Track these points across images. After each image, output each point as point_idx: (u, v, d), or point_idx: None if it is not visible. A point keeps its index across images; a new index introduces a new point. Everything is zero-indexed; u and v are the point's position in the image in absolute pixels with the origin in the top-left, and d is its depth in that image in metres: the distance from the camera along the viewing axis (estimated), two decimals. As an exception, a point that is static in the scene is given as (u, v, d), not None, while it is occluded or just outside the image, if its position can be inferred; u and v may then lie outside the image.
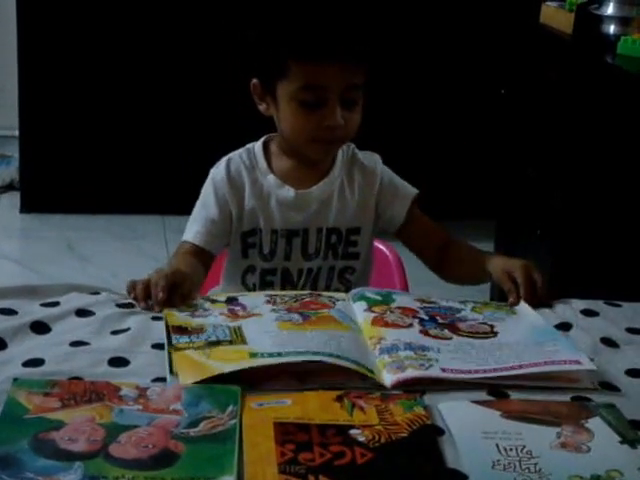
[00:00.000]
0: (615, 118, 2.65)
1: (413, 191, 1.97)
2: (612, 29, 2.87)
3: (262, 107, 1.89)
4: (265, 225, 1.90)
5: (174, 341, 1.47)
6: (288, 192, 1.90)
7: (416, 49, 4.24)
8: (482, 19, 4.24)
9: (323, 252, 1.92)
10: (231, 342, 1.46)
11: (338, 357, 1.42)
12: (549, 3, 3.15)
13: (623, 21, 2.85)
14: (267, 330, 1.52)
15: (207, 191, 1.93)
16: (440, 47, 4.28)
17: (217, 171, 1.93)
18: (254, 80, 1.87)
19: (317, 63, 1.77)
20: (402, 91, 4.24)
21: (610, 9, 2.89)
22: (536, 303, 1.71)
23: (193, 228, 1.90)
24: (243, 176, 1.92)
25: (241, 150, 1.96)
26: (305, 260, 1.91)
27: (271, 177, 1.91)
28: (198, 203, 1.94)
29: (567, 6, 3.04)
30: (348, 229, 1.92)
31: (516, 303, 1.72)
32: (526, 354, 1.50)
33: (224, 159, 1.95)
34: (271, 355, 1.41)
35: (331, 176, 1.92)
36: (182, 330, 1.51)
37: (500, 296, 3.20)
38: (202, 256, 1.87)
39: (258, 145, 1.95)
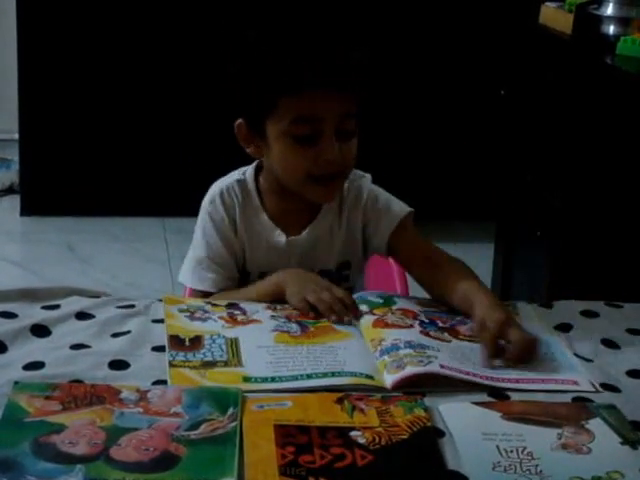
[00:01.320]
0: (615, 118, 2.65)
1: (400, 213, 1.81)
2: (611, 29, 2.87)
3: (250, 149, 1.76)
4: (252, 268, 1.80)
5: (170, 357, 1.46)
6: (279, 237, 1.78)
7: (415, 49, 4.24)
8: (481, 20, 4.24)
9: None
10: (226, 363, 1.45)
11: (333, 375, 1.42)
12: (548, 4, 3.14)
13: (623, 21, 2.84)
14: (263, 345, 1.51)
15: (208, 231, 1.79)
16: (439, 48, 4.27)
17: (214, 209, 1.79)
18: (239, 121, 1.74)
19: (309, 93, 1.64)
20: (401, 92, 4.24)
21: (609, 9, 2.88)
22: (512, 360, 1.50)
23: (207, 275, 1.77)
24: (236, 213, 1.79)
25: (232, 181, 1.81)
26: None
27: (264, 217, 1.79)
28: (199, 242, 1.80)
29: (566, 6, 3.03)
30: (338, 266, 1.82)
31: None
32: (524, 366, 1.49)
33: (216, 192, 1.81)
34: (265, 380, 1.41)
35: (320, 217, 1.80)
36: (179, 343, 1.50)
37: (501, 296, 3.21)
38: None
39: (250, 176, 1.81)
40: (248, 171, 1.83)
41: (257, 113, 1.70)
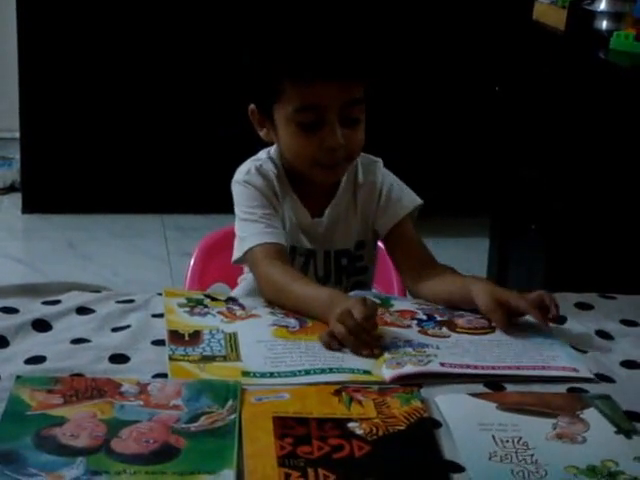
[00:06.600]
0: (608, 113, 2.66)
1: (409, 206, 1.86)
2: (605, 25, 2.88)
3: (262, 133, 1.81)
4: (286, 242, 1.79)
5: (169, 351, 1.47)
6: (305, 217, 1.82)
7: (410, 47, 4.25)
8: (475, 16, 4.24)
9: (334, 275, 1.84)
10: (225, 358, 1.46)
11: (331, 371, 1.43)
12: (542, 0, 3.16)
13: (615, 16, 2.86)
14: (262, 339, 1.52)
15: (250, 196, 1.79)
16: (434, 45, 4.28)
17: (252, 178, 1.80)
18: (251, 105, 1.80)
19: (311, 82, 1.69)
20: (396, 89, 4.25)
21: (602, 5, 2.90)
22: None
23: (267, 230, 1.74)
24: (274, 184, 1.80)
25: (264, 158, 1.84)
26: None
27: (294, 196, 1.82)
28: (244, 212, 1.78)
29: (560, 2, 3.04)
30: (355, 245, 1.86)
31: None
32: (524, 356, 1.51)
33: (250, 166, 1.82)
34: (263, 375, 1.42)
35: (337, 199, 1.83)
36: (179, 338, 1.52)
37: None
38: (283, 254, 1.74)
39: (277, 157, 1.83)
40: (272, 151, 1.85)
41: (265, 100, 1.76)
